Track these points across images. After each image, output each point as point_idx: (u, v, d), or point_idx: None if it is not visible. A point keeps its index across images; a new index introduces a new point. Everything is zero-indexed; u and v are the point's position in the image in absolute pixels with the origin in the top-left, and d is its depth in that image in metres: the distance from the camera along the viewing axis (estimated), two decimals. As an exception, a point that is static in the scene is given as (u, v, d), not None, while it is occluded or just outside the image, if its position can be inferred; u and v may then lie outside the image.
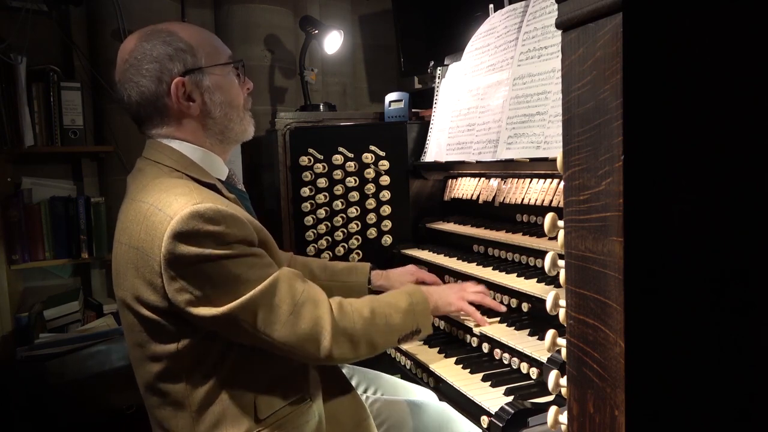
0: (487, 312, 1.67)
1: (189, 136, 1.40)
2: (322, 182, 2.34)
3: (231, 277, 1.22)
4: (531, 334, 1.49)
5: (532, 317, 1.57)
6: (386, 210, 2.31)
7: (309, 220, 2.35)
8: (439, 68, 2.31)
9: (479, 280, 1.74)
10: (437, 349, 1.69)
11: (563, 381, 0.81)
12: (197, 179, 1.34)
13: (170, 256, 1.18)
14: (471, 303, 1.64)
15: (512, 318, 1.60)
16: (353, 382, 1.71)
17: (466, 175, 2.11)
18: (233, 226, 1.22)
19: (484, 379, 1.46)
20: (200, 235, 1.18)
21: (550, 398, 1.30)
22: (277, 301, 1.26)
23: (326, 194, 2.35)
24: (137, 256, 1.24)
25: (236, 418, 1.30)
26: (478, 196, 1.99)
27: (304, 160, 2.35)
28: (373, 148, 2.30)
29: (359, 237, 2.35)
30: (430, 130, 2.28)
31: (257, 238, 1.29)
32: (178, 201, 1.20)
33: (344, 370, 1.56)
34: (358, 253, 2.34)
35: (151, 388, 1.34)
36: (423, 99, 2.56)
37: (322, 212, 2.35)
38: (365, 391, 1.83)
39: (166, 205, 1.21)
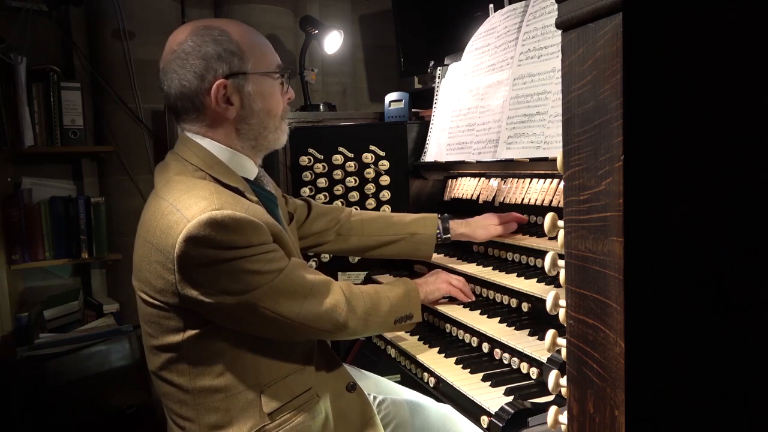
0: (488, 312, 1.67)
1: (221, 137, 1.40)
2: (322, 182, 2.34)
3: (247, 272, 1.25)
4: (531, 334, 1.49)
5: (532, 317, 1.57)
6: (386, 210, 2.31)
7: (309, 220, 2.35)
8: (439, 68, 2.31)
9: (479, 280, 1.75)
10: (437, 348, 1.69)
11: (563, 381, 0.81)
12: (220, 180, 1.34)
13: (184, 257, 1.21)
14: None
15: (512, 318, 1.60)
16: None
17: (466, 175, 2.11)
18: (249, 232, 1.24)
19: (484, 379, 1.46)
20: (214, 242, 1.20)
21: (550, 398, 1.30)
22: (294, 286, 1.31)
23: (326, 194, 2.35)
24: (151, 251, 1.27)
25: (242, 412, 1.32)
26: (478, 196, 1.99)
27: (304, 160, 2.35)
28: (373, 148, 2.30)
29: (359, 237, 2.34)
30: (430, 130, 2.28)
31: (272, 239, 1.32)
32: (198, 204, 1.22)
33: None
34: (358, 253, 2.34)
35: (159, 377, 1.38)
36: (423, 99, 2.55)
37: (322, 212, 2.35)
38: (368, 393, 1.83)
39: (185, 206, 1.22)
